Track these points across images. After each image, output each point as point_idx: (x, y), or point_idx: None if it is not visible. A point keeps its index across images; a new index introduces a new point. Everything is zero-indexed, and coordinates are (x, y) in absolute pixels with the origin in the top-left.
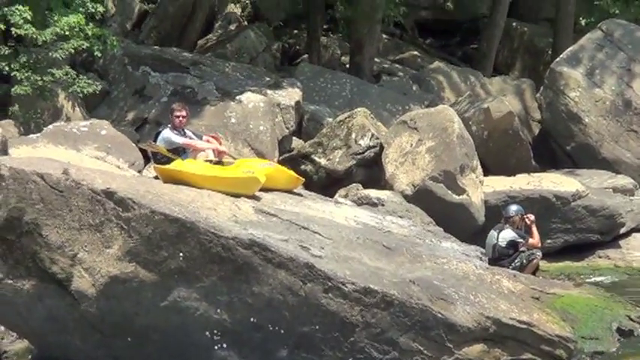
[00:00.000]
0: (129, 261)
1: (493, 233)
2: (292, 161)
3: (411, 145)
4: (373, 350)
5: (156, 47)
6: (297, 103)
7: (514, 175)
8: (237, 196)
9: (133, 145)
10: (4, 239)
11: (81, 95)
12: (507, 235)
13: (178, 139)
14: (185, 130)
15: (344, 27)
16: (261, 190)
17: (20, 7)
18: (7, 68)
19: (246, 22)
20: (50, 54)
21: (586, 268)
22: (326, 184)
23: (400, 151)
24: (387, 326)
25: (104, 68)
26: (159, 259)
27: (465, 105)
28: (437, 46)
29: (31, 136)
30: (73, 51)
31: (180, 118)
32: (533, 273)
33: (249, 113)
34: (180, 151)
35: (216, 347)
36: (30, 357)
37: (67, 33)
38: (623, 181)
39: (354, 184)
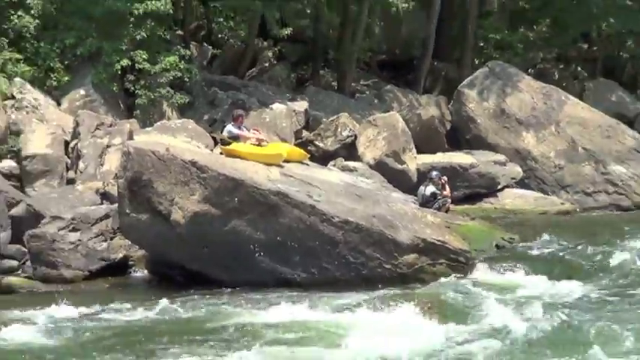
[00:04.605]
0: (204, 203)
1: (422, 188)
2: (302, 144)
3: (374, 135)
4: (350, 257)
5: (221, 76)
6: (306, 110)
7: (434, 154)
8: (269, 165)
9: (207, 134)
10: (131, 190)
11: (176, 105)
12: (430, 189)
13: (235, 131)
14: (242, 126)
15: (334, 64)
16: (284, 161)
17: (141, 51)
18: (132, 87)
19: (275, 61)
20: (158, 79)
21: (477, 210)
22: (323, 158)
23: (367, 138)
24: (358, 242)
25: (190, 88)
26: (223, 202)
27: (406, 111)
28: (389, 76)
29: (147, 129)
30: (171, 77)
31: (241, 118)
32: (446, 212)
33: (277, 115)
34: (236, 138)
35: (256, 255)
36: (146, 260)
37: (168, 67)
38: (500, 157)
39: (339, 158)
